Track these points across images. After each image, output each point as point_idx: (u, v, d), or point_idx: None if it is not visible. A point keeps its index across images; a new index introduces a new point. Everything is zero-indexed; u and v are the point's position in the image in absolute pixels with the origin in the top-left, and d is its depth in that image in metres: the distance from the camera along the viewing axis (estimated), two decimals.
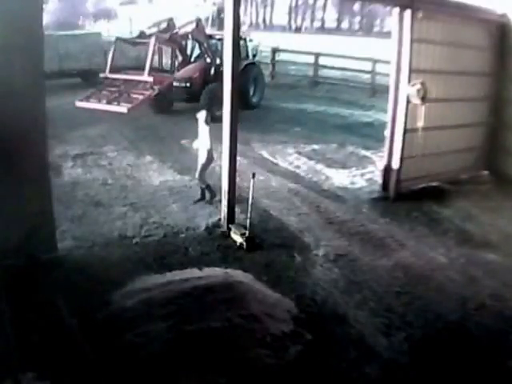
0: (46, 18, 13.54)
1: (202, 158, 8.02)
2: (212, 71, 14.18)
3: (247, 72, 14.53)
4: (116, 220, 7.36)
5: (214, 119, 11.95)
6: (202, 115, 8.04)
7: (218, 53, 14.04)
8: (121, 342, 4.54)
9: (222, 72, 13.20)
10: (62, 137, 10.62)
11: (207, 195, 8.13)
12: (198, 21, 14.31)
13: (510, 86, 9.46)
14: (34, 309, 4.94)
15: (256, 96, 15.44)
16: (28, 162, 5.66)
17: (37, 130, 5.73)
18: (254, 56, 16.20)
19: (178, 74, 14.06)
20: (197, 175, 8.14)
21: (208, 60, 14.42)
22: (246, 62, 14.57)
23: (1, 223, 5.51)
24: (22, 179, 5.64)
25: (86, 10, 40.65)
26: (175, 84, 13.73)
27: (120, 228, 7.09)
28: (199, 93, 13.59)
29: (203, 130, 7.99)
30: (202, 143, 8.03)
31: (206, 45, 14.44)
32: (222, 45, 13.63)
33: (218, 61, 13.99)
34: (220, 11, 14.75)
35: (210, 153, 7.97)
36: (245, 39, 15.23)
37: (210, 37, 14.92)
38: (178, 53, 14.69)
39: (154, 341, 4.51)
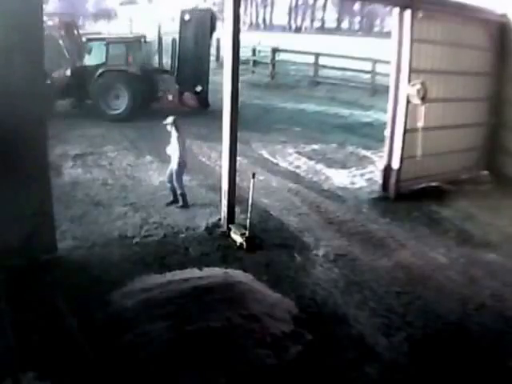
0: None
1: (173, 164, 7.83)
2: (68, 72, 13.31)
3: (107, 80, 13.14)
4: (116, 220, 7.36)
5: None
6: (169, 120, 7.76)
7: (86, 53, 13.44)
8: (121, 342, 4.54)
9: (85, 73, 13.09)
10: (62, 137, 10.61)
11: (180, 200, 7.95)
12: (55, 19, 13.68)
13: (510, 86, 9.46)
14: (34, 309, 4.94)
15: (120, 108, 13.22)
16: (28, 162, 5.67)
17: (37, 129, 5.73)
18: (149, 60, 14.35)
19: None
20: (166, 179, 8.04)
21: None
22: (103, 69, 13.12)
23: (1, 223, 5.51)
24: (22, 179, 5.64)
25: (86, 10, 40.59)
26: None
27: (120, 228, 7.10)
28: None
29: (173, 135, 7.76)
30: (173, 149, 7.82)
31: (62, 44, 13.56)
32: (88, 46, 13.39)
33: (81, 62, 13.41)
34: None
35: (181, 158, 7.76)
36: (139, 41, 13.76)
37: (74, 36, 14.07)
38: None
39: (154, 341, 4.51)
